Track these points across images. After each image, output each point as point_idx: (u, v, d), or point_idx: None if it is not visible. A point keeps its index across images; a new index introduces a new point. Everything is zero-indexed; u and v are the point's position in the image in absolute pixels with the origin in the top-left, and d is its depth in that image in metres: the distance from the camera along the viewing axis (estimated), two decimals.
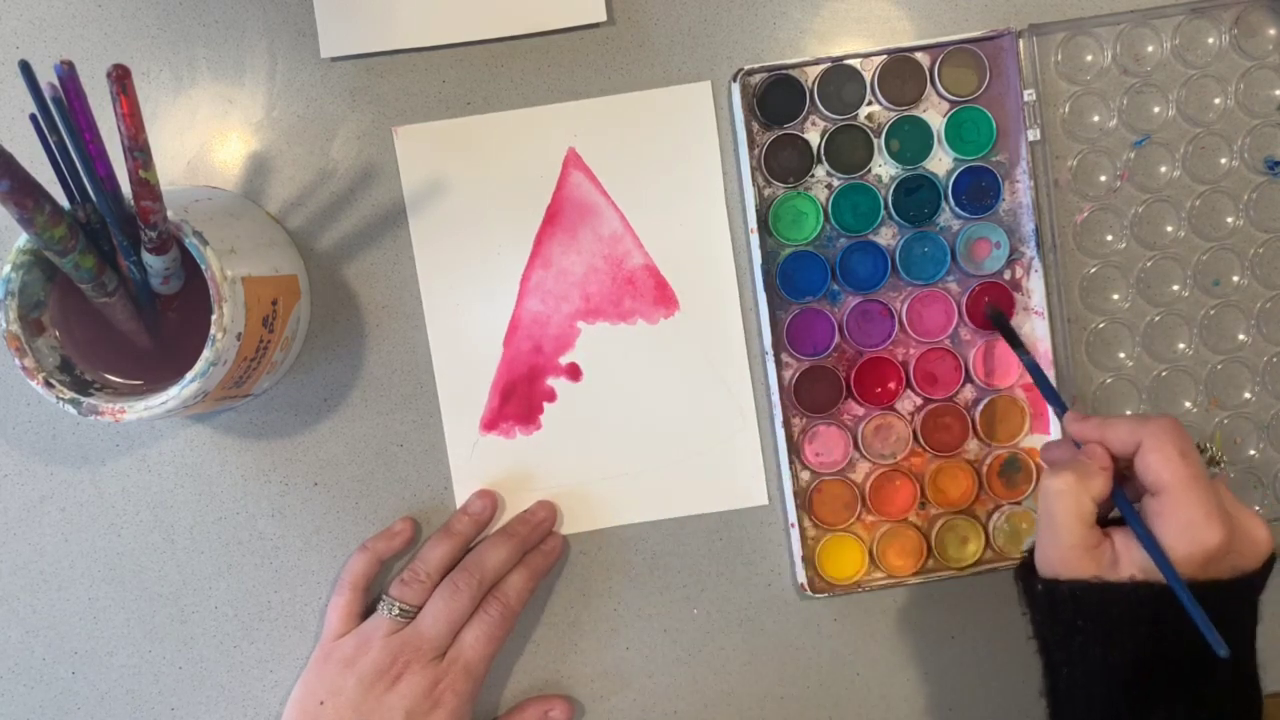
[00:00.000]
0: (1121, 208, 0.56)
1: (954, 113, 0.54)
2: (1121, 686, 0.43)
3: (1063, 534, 0.43)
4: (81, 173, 0.41)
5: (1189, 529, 0.41)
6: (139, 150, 0.40)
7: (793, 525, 0.55)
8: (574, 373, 0.56)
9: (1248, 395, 0.56)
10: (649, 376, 0.56)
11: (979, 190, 0.54)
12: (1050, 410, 0.50)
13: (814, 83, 0.54)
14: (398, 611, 0.51)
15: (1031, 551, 0.46)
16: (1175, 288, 0.56)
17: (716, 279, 0.56)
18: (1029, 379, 0.55)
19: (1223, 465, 0.45)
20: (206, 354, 0.44)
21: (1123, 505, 0.44)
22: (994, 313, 0.54)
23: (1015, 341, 0.52)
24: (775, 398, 0.54)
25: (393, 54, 0.55)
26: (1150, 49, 0.55)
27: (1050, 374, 0.55)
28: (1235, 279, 0.56)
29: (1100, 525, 0.44)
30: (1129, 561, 0.43)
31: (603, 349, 0.56)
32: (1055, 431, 0.55)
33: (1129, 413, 0.56)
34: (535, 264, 0.56)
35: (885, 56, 0.54)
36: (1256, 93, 0.55)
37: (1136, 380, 0.56)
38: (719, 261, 0.56)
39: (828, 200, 0.55)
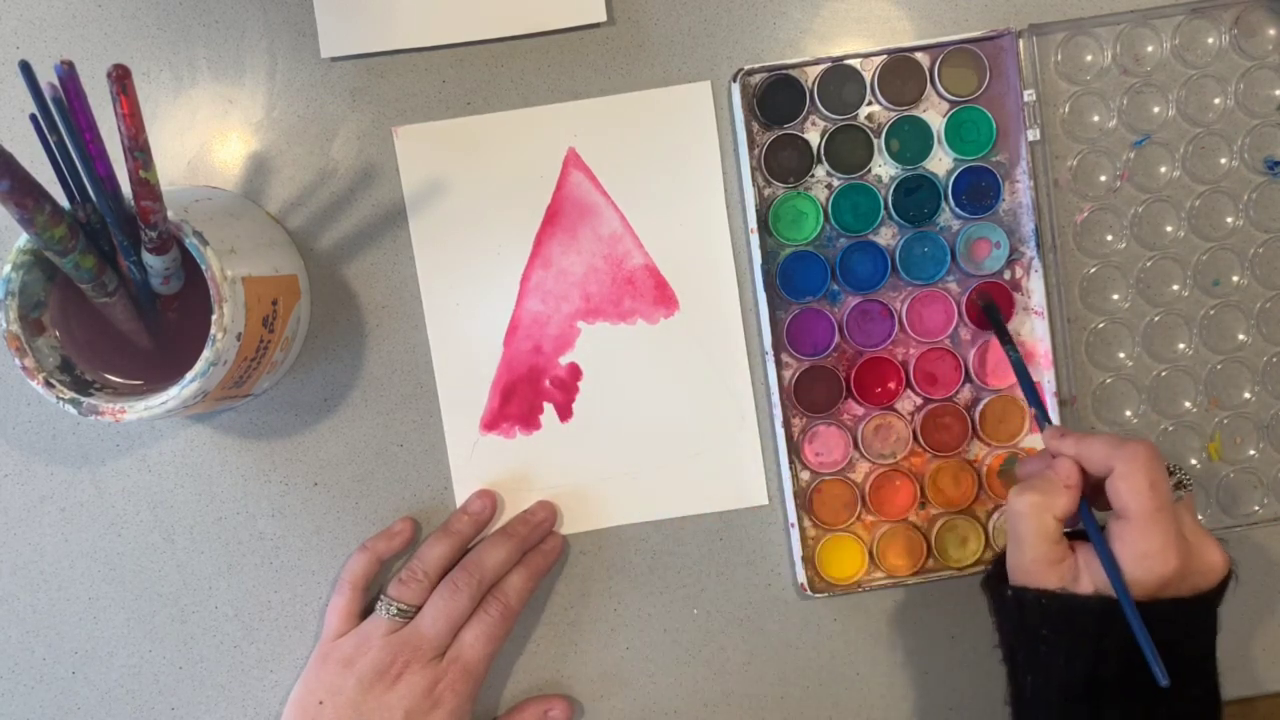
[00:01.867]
0: (1121, 208, 0.56)
1: (954, 113, 0.54)
2: (1082, 696, 0.44)
3: (1027, 549, 0.45)
4: (81, 173, 0.41)
5: (1145, 559, 0.42)
6: (139, 150, 0.40)
7: (793, 525, 0.55)
8: (574, 373, 0.56)
9: (1248, 395, 0.56)
10: (649, 376, 0.56)
11: (979, 190, 0.54)
12: (1030, 409, 0.51)
13: (814, 83, 0.54)
14: (396, 611, 0.51)
15: (998, 561, 0.48)
16: (1175, 288, 0.56)
17: (716, 279, 0.56)
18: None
19: (1189, 487, 0.46)
20: (206, 354, 0.44)
21: (1089, 524, 0.45)
22: (986, 303, 0.54)
23: (1005, 337, 0.52)
24: (775, 398, 0.54)
25: (393, 54, 0.55)
26: (1150, 49, 0.55)
27: (1050, 374, 0.55)
28: (1235, 279, 0.56)
29: (1069, 536, 0.46)
30: (1089, 577, 0.44)
31: (603, 349, 0.56)
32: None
33: (1127, 412, 0.56)
34: (535, 264, 0.56)
35: (885, 56, 0.54)
36: (1256, 93, 0.55)
37: (1136, 380, 0.56)
38: (719, 261, 0.56)
39: (828, 200, 0.55)
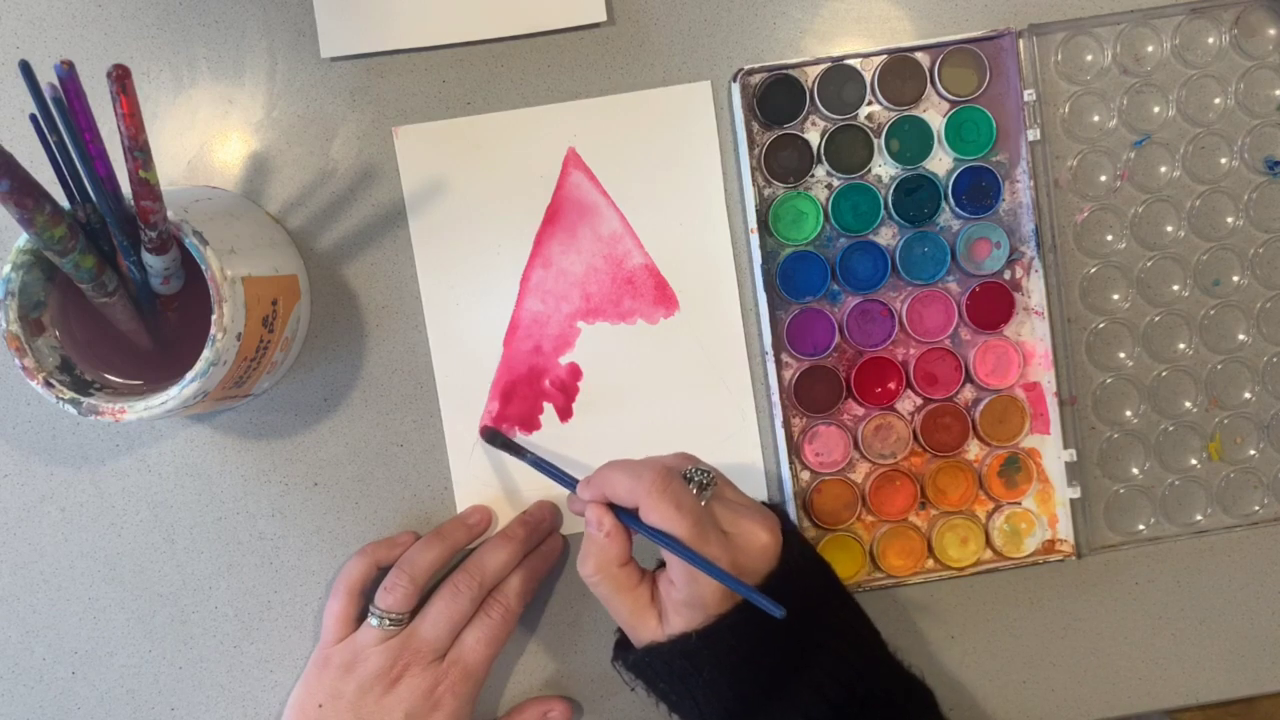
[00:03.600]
0: (1121, 208, 0.56)
1: (954, 113, 0.54)
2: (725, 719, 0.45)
3: (621, 609, 0.46)
4: (81, 173, 0.41)
5: (696, 576, 0.44)
6: (139, 150, 0.40)
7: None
8: (574, 373, 0.56)
9: (1248, 395, 0.56)
10: (649, 376, 0.56)
11: (979, 190, 0.54)
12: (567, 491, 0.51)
13: (814, 83, 0.54)
14: (389, 622, 0.51)
15: (619, 630, 0.49)
16: (1175, 288, 0.56)
17: (716, 279, 0.56)
18: (1029, 379, 0.56)
19: (712, 482, 0.46)
20: (206, 354, 0.44)
21: (653, 536, 0.45)
22: (489, 434, 0.55)
23: (512, 447, 0.53)
24: (775, 398, 0.54)
25: (393, 54, 0.55)
26: (1150, 49, 0.55)
27: (1050, 374, 0.55)
28: (1235, 279, 0.56)
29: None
30: (673, 612, 0.45)
31: (603, 349, 0.56)
32: (1055, 431, 0.55)
33: (1127, 412, 0.56)
34: (535, 264, 0.56)
35: (885, 56, 0.54)
36: (1256, 93, 0.55)
37: (1136, 380, 0.56)
38: (719, 261, 0.56)
39: (828, 200, 0.55)
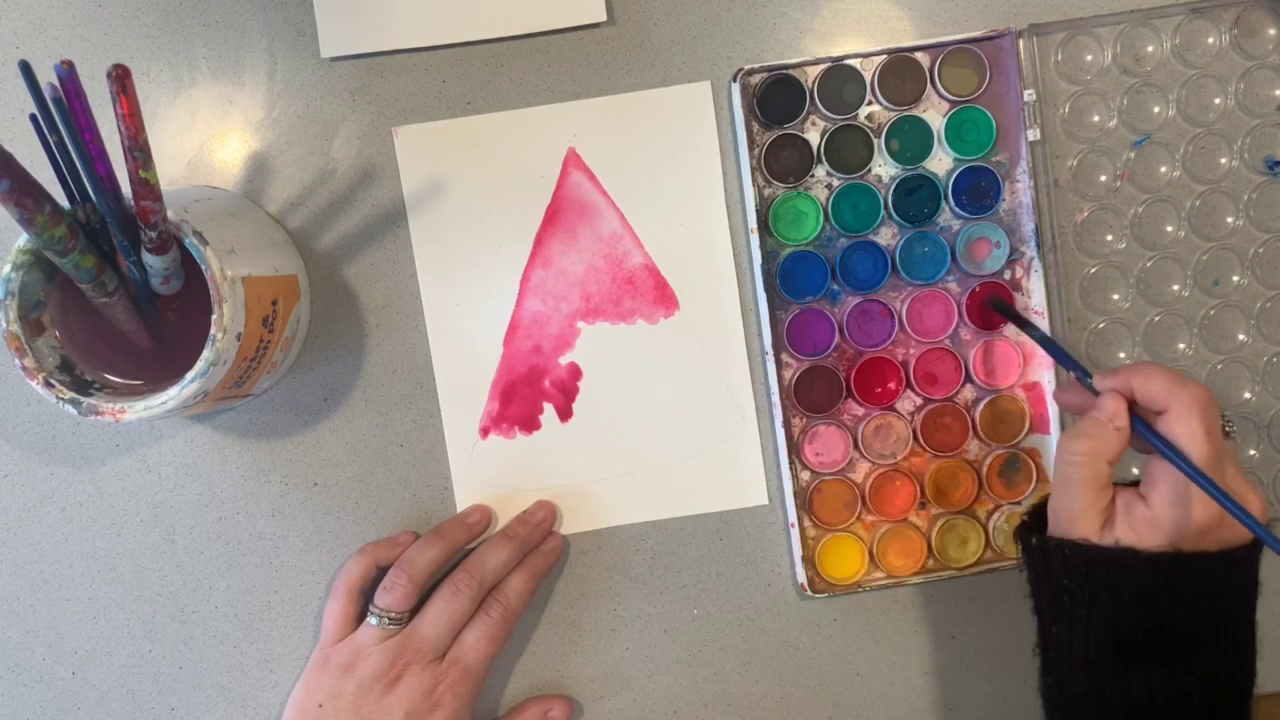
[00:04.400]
0: (1121, 208, 0.56)
1: (954, 113, 0.54)
2: (1104, 649, 0.43)
3: (1078, 497, 0.44)
4: (81, 173, 0.41)
5: (1183, 503, 0.42)
6: (139, 150, 0.40)
7: (793, 525, 0.55)
8: (574, 373, 0.56)
9: (1248, 395, 0.56)
10: (649, 376, 0.56)
11: (979, 190, 0.54)
12: (1072, 373, 0.50)
13: (814, 83, 0.54)
14: (388, 621, 0.51)
15: (1036, 509, 0.47)
16: (1175, 288, 0.56)
17: (716, 279, 0.56)
18: (1029, 379, 0.56)
19: (1233, 436, 0.45)
20: (206, 354, 0.44)
21: (1151, 438, 0.43)
22: (996, 302, 0.54)
23: (1021, 320, 0.52)
24: (775, 398, 0.54)
25: (393, 54, 0.55)
26: (1150, 49, 0.55)
27: (1050, 374, 0.55)
28: (1235, 279, 0.56)
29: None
30: (1125, 523, 0.43)
31: (603, 349, 0.56)
32: (1055, 431, 0.55)
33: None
34: (535, 264, 0.56)
35: (885, 56, 0.54)
36: (1256, 93, 0.55)
37: None
38: (719, 261, 0.56)
39: (828, 200, 0.55)
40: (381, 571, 0.53)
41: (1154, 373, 0.44)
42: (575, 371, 0.56)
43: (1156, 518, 0.42)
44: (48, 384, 0.45)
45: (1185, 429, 0.42)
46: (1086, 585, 0.43)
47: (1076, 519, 0.44)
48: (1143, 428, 0.44)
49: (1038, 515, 0.47)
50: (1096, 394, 0.45)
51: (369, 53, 0.54)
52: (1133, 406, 0.44)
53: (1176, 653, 0.43)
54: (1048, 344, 0.51)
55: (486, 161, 0.55)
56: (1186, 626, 0.43)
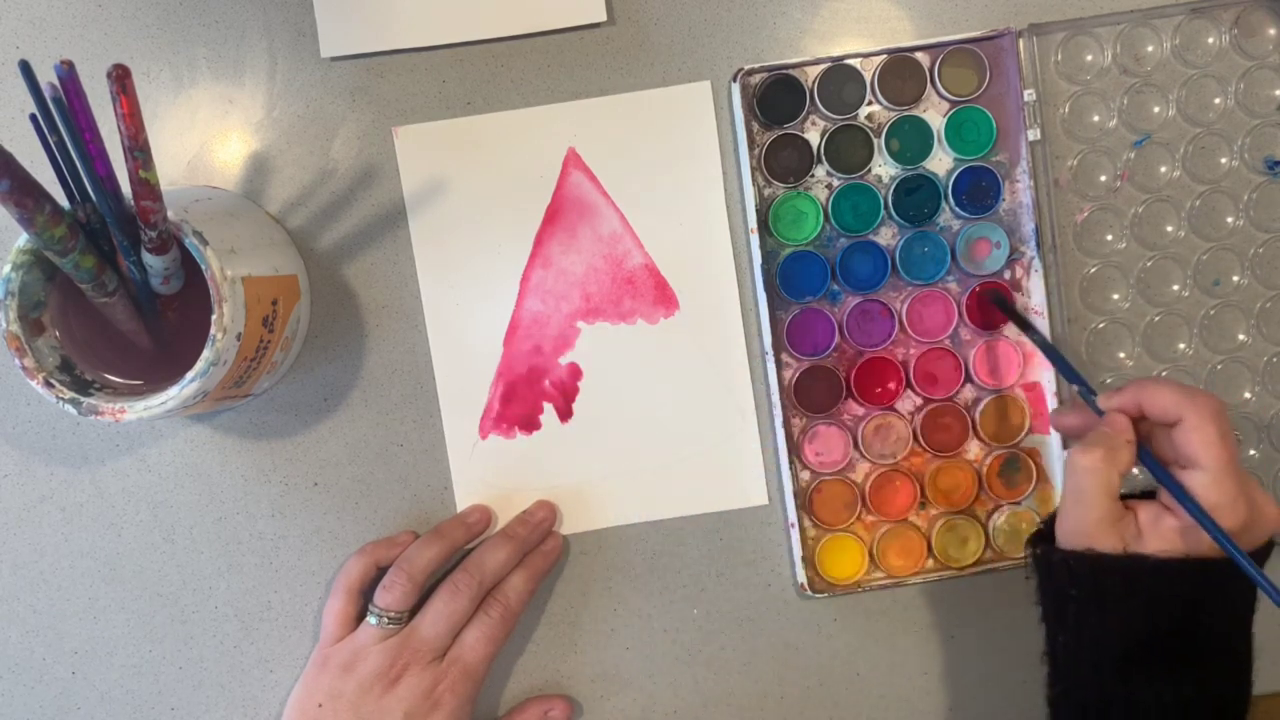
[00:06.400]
0: (1121, 208, 0.56)
1: (954, 113, 0.54)
2: (1111, 659, 0.43)
3: (1091, 509, 0.43)
4: (81, 173, 0.41)
5: (1216, 510, 0.42)
6: (139, 150, 0.40)
7: (793, 525, 0.55)
8: (574, 373, 0.56)
9: (1248, 395, 0.56)
10: (649, 376, 0.56)
11: (979, 190, 0.54)
12: (1073, 386, 0.50)
13: (814, 83, 0.54)
14: (388, 621, 0.51)
15: (1049, 520, 0.47)
16: (1175, 288, 0.56)
17: (716, 279, 0.56)
18: (1029, 379, 0.56)
19: (1239, 439, 0.45)
20: (206, 354, 0.44)
21: (1159, 473, 0.44)
22: (997, 298, 0.54)
23: (1023, 323, 0.52)
24: (775, 398, 0.54)
25: (393, 54, 0.55)
26: (1150, 49, 0.55)
27: (1050, 374, 0.55)
28: (1235, 279, 0.56)
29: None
30: (1155, 536, 0.43)
31: (603, 349, 0.56)
32: (1055, 431, 0.55)
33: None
34: (535, 264, 0.56)
35: (885, 56, 0.54)
36: (1256, 93, 0.55)
37: None
38: (719, 261, 0.56)
39: (828, 200, 0.55)
40: (381, 571, 0.53)
41: (1162, 387, 0.44)
42: (575, 371, 0.56)
43: (1188, 526, 0.43)
44: (48, 384, 0.45)
45: (1202, 437, 0.42)
46: (1094, 595, 0.43)
47: (1093, 534, 0.43)
48: (1150, 461, 0.44)
49: (1050, 525, 0.47)
50: (1100, 413, 0.46)
51: (369, 53, 0.54)
52: (1138, 424, 0.45)
53: (1182, 661, 0.43)
54: (1049, 351, 0.50)
55: (486, 161, 0.55)
56: (1193, 634, 0.43)
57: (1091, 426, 0.46)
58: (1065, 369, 0.49)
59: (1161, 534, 0.43)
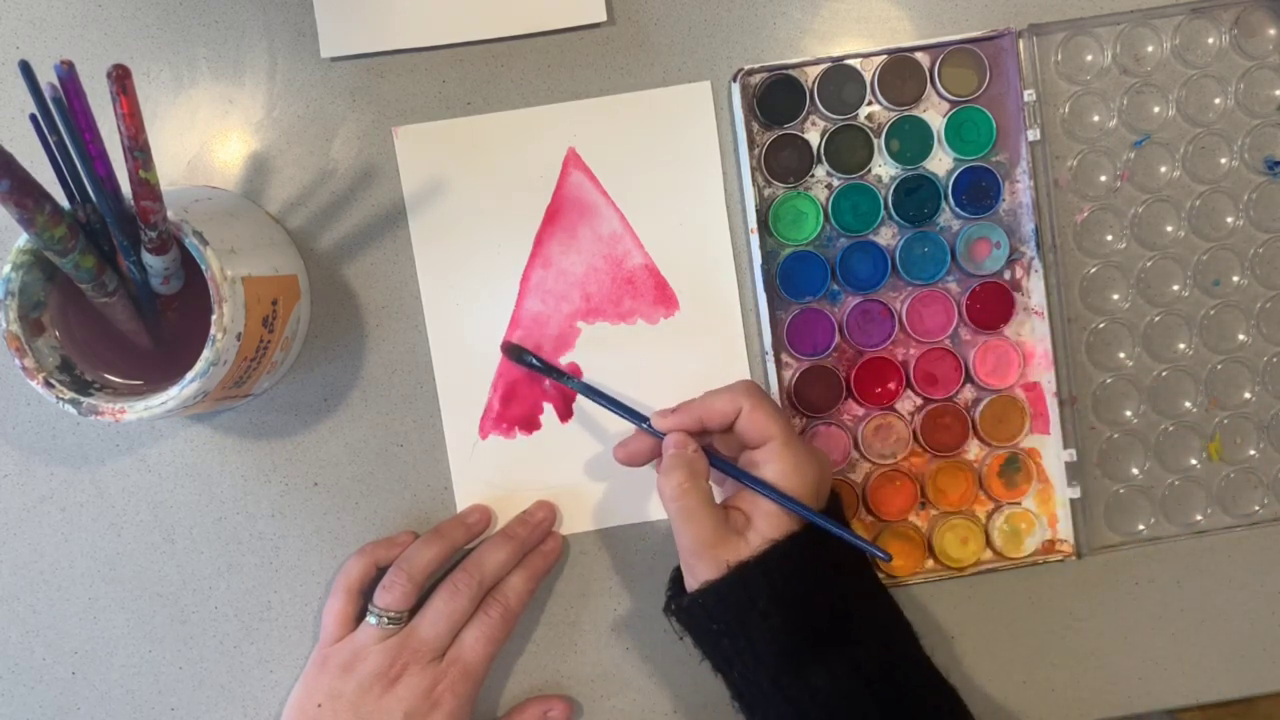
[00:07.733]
0: (1121, 208, 0.56)
1: (954, 113, 0.54)
2: (784, 665, 0.45)
3: (702, 523, 0.46)
4: (81, 173, 0.41)
5: (798, 468, 0.46)
6: (139, 150, 0.40)
7: None
8: (574, 373, 0.56)
9: (1248, 395, 0.56)
10: (649, 376, 0.56)
11: (979, 190, 0.54)
12: (639, 426, 0.51)
13: (814, 83, 0.54)
14: (388, 621, 0.51)
15: (669, 585, 0.50)
16: (1175, 288, 0.56)
17: (716, 279, 0.56)
18: (1029, 379, 0.56)
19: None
20: (206, 354, 0.44)
21: (723, 466, 0.48)
22: (514, 352, 0.54)
23: (554, 371, 0.54)
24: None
25: (393, 54, 0.55)
26: (1150, 49, 0.55)
27: (1050, 374, 0.55)
28: (1235, 279, 0.56)
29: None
30: (762, 519, 0.46)
31: (603, 349, 0.56)
32: (1055, 431, 0.55)
33: (1127, 412, 0.56)
34: (535, 264, 0.56)
35: (885, 56, 0.54)
36: (1256, 93, 0.55)
37: (1136, 380, 0.56)
38: (719, 261, 0.56)
39: (828, 200, 0.55)
40: (381, 571, 0.53)
41: (709, 398, 0.48)
42: (575, 371, 0.56)
43: (775, 509, 0.46)
44: (48, 384, 0.45)
45: (762, 413, 0.47)
46: (733, 617, 0.45)
47: (716, 544, 0.46)
48: (717, 460, 0.49)
49: (675, 586, 0.49)
50: (659, 435, 0.50)
51: (369, 53, 0.54)
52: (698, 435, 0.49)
53: (832, 632, 0.45)
54: (598, 397, 0.52)
55: (486, 161, 0.55)
56: (829, 604, 0.45)
57: (656, 447, 0.50)
58: (620, 410, 0.51)
59: (766, 515, 0.46)
